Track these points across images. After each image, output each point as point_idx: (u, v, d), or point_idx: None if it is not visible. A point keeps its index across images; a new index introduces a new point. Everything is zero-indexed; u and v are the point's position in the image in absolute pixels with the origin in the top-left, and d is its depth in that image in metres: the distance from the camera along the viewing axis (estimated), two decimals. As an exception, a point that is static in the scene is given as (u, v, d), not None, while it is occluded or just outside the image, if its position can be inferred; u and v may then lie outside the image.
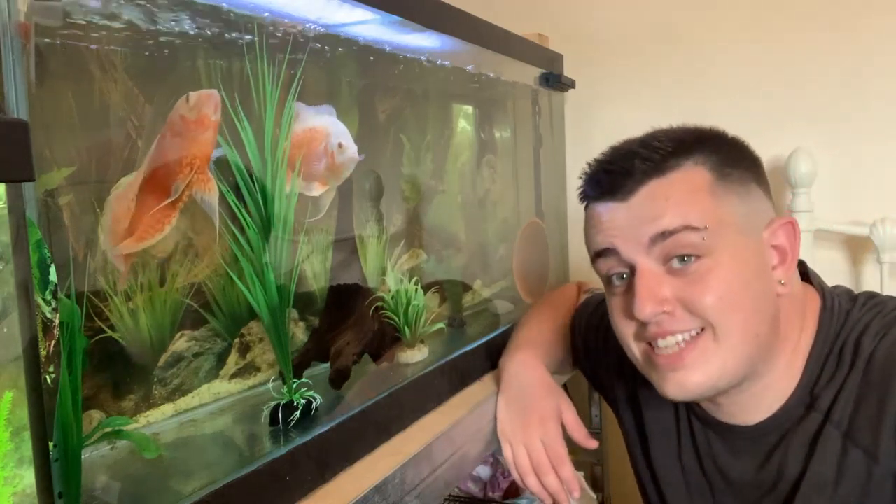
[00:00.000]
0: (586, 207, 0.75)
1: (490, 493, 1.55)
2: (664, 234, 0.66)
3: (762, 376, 0.71)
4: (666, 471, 0.82)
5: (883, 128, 1.33)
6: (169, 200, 0.61)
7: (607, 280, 0.73)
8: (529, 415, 0.86)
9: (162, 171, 0.61)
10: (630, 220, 0.68)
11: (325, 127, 0.75)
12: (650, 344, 0.70)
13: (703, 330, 0.68)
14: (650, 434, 0.83)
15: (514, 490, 1.56)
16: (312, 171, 0.74)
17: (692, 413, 0.79)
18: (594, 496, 1.53)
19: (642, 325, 0.69)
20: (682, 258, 0.67)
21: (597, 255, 0.72)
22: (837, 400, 0.68)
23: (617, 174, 0.69)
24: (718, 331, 0.67)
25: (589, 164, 0.74)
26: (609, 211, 0.70)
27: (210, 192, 0.62)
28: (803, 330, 0.71)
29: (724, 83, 1.43)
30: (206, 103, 0.60)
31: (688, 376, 0.68)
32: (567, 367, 1.01)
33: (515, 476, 0.87)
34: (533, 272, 1.30)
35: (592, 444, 0.87)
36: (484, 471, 1.58)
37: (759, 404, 0.72)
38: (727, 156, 0.70)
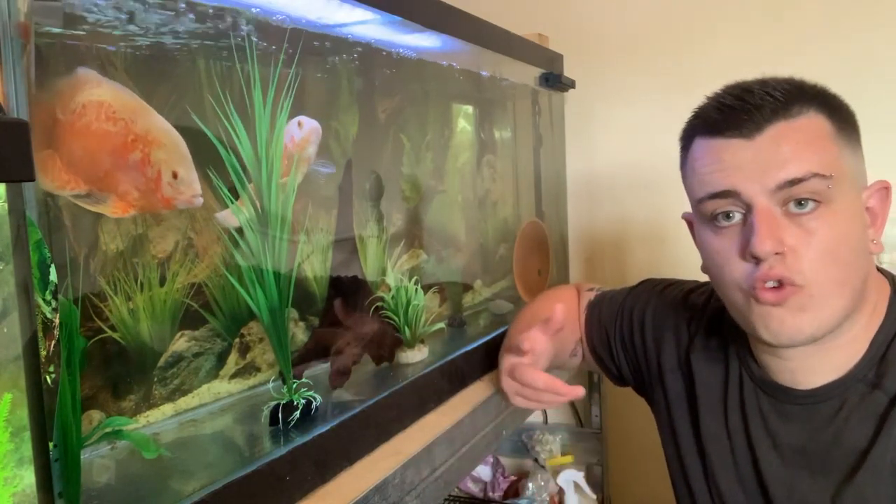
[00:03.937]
0: (691, 146, 0.73)
1: (490, 494, 1.55)
2: (792, 182, 0.65)
3: (843, 332, 0.71)
4: (711, 435, 0.82)
5: (883, 127, 1.32)
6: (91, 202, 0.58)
7: (711, 218, 0.71)
8: (501, 371, 0.88)
9: (91, 148, 0.57)
10: (756, 161, 0.67)
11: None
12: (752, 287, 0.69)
13: (802, 287, 0.67)
14: (699, 397, 0.84)
15: (514, 490, 1.56)
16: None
17: (746, 373, 0.80)
18: (594, 496, 1.53)
19: (754, 266, 0.68)
20: (801, 202, 0.66)
21: (710, 197, 0.70)
22: None
23: (743, 110, 0.67)
24: (814, 289, 0.67)
25: (708, 98, 0.72)
26: (732, 148, 0.68)
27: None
28: (876, 307, 0.72)
29: (725, 82, 1.42)
30: (169, 163, 0.57)
31: (785, 319, 0.68)
32: (565, 356, 1.00)
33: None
34: (533, 272, 1.30)
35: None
36: (484, 471, 1.58)
37: (821, 367, 0.73)
38: (840, 111, 0.70)
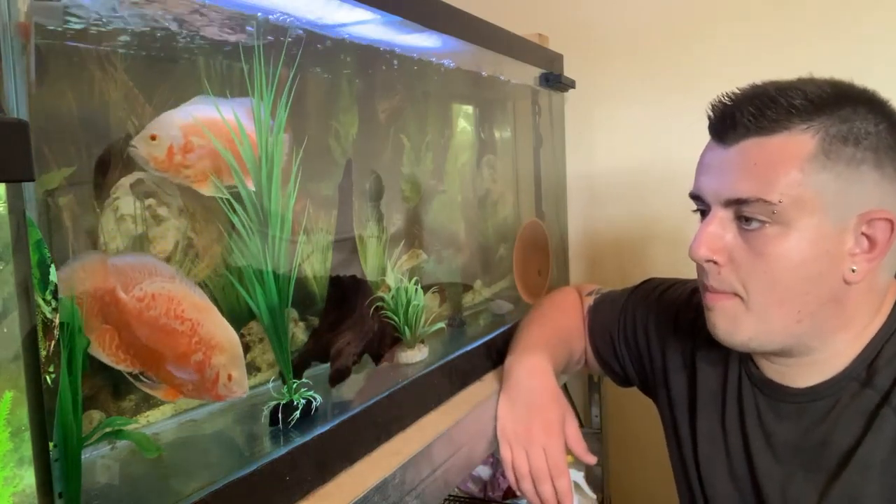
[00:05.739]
0: None
1: (490, 494, 1.55)
2: (738, 201, 0.68)
3: (816, 350, 0.72)
4: (707, 432, 0.83)
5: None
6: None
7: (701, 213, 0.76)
8: (534, 420, 0.86)
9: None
10: (720, 171, 0.70)
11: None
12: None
13: (735, 295, 0.71)
14: (699, 395, 0.84)
15: (514, 490, 1.56)
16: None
17: (745, 371, 0.80)
18: (594, 496, 1.53)
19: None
20: (748, 220, 0.69)
21: (691, 195, 0.75)
22: None
23: (724, 120, 0.70)
24: (750, 303, 0.70)
25: (724, 93, 0.73)
26: (712, 153, 0.72)
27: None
28: (876, 316, 0.72)
29: (725, 82, 1.42)
30: (227, 367, 0.60)
31: (717, 322, 0.73)
32: (572, 367, 1.01)
33: (510, 478, 0.87)
34: (533, 272, 1.30)
35: (591, 459, 0.88)
36: (484, 471, 1.58)
37: (812, 371, 0.74)
38: (852, 130, 0.66)
